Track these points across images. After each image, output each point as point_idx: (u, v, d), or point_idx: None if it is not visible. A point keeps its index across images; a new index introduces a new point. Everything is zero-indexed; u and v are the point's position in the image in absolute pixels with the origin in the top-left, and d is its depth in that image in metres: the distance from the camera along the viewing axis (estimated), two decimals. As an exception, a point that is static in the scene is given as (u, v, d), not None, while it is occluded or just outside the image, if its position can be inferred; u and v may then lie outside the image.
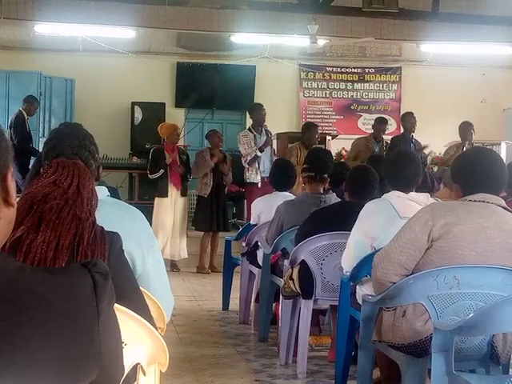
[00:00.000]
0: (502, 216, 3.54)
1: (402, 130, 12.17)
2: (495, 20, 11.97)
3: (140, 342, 2.00)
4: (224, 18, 11.80)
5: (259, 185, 10.50)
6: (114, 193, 5.21)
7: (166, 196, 10.07)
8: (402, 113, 15.69)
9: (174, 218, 10.13)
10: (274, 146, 11.18)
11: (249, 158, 10.51)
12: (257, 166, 10.55)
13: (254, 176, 10.57)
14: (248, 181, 10.62)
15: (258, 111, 10.80)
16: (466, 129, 10.88)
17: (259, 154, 10.46)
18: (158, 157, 10.08)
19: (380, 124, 11.45)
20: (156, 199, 10.24)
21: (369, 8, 10.97)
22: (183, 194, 10.28)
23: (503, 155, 13.27)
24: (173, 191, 10.11)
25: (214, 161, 10.23)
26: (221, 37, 13.41)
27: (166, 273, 3.02)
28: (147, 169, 10.30)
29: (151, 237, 2.97)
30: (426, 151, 11.46)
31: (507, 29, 12.26)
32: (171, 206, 10.11)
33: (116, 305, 1.42)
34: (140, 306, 2.19)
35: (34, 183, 2.34)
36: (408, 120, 11.28)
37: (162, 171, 10.02)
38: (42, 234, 2.12)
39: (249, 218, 10.55)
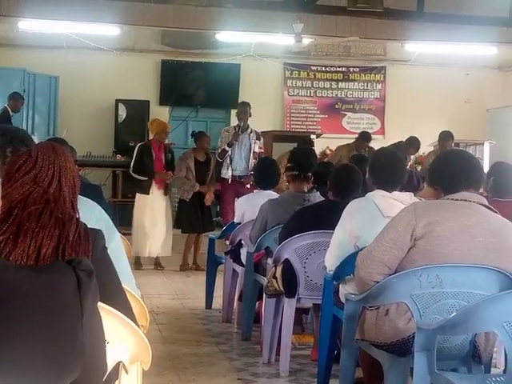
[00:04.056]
0: (485, 215, 3.57)
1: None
2: (480, 20, 12.01)
3: (123, 340, 1.99)
4: (209, 16, 11.78)
5: (229, 181, 10.49)
6: (96, 190, 5.21)
7: (148, 193, 10.01)
8: (386, 112, 15.83)
9: (156, 216, 10.08)
10: (258, 148, 11.11)
11: (218, 152, 10.56)
12: (228, 161, 10.53)
13: (225, 171, 10.57)
14: (222, 176, 10.60)
15: (241, 109, 10.85)
16: (446, 139, 10.79)
17: (227, 148, 10.46)
18: (145, 155, 10.02)
19: (363, 141, 11.41)
20: (137, 195, 10.17)
21: (354, 7, 10.99)
22: (166, 192, 10.24)
23: (486, 155, 13.34)
24: (155, 189, 10.06)
25: (200, 189, 10.13)
26: (206, 35, 13.40)
27: (128, 266, 2.97)
28: (131, 164, 10.22)
29: (111, 228, 2.95)
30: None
31: (491, 29, 12.30)
32: (152, 204, 10.06)
33: (99, 303, 1.41)
34: (123, 304, 2.18)
35: (13, 178, 2.29)
36: (411, 147, 11.16)
37: (145, 179, 9.95)
38: (21, 244, 2.07)
39: (223, 214, 10.58)
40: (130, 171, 10.19)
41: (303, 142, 10.74)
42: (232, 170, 10.53)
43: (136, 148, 10.25)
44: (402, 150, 10.77)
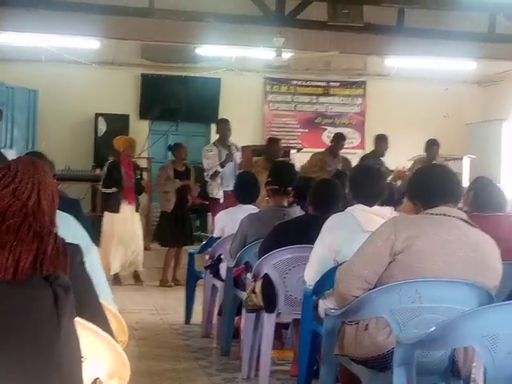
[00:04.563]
0: (464, 230, 3.57)
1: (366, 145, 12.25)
2: (459, 35, 12.08)
3: (100, 356, 1.97)
4: (189, 30, 11.77)
5: (221, 200, 10.51)
6: (75, 204, 5.18)
7: (118, 212, 9.96)
8: (366, 126, 15.89)
9: (127, 232, 10.02)
10: (239, 159, 11.18)
11: (210, 173, 10.55)
12: (219, 181, 10.56)
13: (217, 191, 10.59)
14: (211, 196, 10.64)
15: (222, 126, 10.90)
16: (431, 146, 11.13)
17: (220, 169, 10.49)
18: (114, 171, 9.99)
19: (339, 140, 11.55)
20: (106, 214, 10.11)
21: (334, 22, 11.01)
22: (137, 209, 10.20)
23: (465, 169, 13.39)
24: (125, 207, 10.00)
25: (180, 183, 10.15)
26: (186, 49, 13.39)
27: (105, 280, 2.96)
28: (101, 181, 10.21)
29: (88, 242, 2.94)
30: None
31: (470, 44, 12.37)
32: (123, 222, 10.00)
33: (77, 318, 1.40)
34: (101, 320, 2.16)
35: None
36: (380, 144, 11.38)
37: (114, 189, 9.92)
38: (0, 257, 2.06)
39: (213, 232, 10.57)
40: (101, 188, 10.19)
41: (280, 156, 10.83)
42: (223, 186, 10.56)
43: (105, 165, 10.24)
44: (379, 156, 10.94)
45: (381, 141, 11.48)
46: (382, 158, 11.35)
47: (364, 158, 11.39)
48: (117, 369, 2.03)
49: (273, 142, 11.06)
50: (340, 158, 11.35)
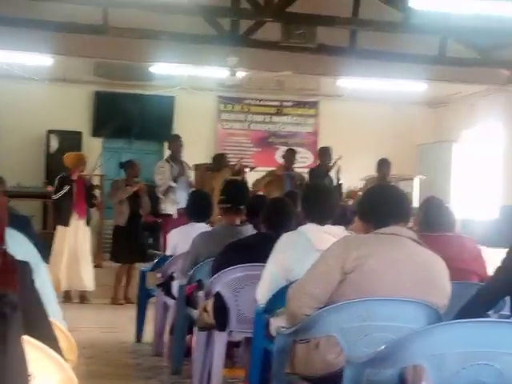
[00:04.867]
0: (413, 249, 3.62)
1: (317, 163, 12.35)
2: (410, 58, 12.24)
3: (48, 375, 1.95)
4: (143, 48, 11.77)
5: (175, 215, 10.49)
6: (25, 221, 5.12)
7: (68, 225, 9.89)
8: (319, 147, 15.97)
9: (77, 247, 9.95)
10: (192, 178, 11.19)
11: (163, 188, 10.53)
12: (172, 197, 10.54)
13: (170, 207, 10.56)
14: (163, 212, 10.61)
15: (174, 142, 10.92)
16: (382, 165, 11.27)
17: (173, 184, 10.48)
18: (65, 181, 9.93)
19: (291, 154, 11.65)
20: (58, 228, 10.04)
21: (287, 42, 11.09)
22: (88, 223, 10.15)
23: (416, 190, 13.54)
24: (76, 220, 9.94)
25: (133, 189, 10.13)
26: (140, 67, 13.38)
27: (55, 298, 2.94)
28: (53, 192, 10.15)
29: (37, 259, 2.92)
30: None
31: (421, 66, 12.54)
32: (73, 236, 9.94)
33: (25, 336, 1.39)
34: (50, 338, 2.14)
35: None
36: (324, 155, 11.49)
37: (66, 187, 9.81)
38: None
39: (165, 249, 10.52)
40: (52, 196, 10.10)
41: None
42: (176, 203, 10.54)
43: (56, 180, 10.17)
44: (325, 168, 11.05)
45: (324, 152, 11.59)
46: (330, 174, 11.41)
47: (311, 172, 11.49)
48: (66, 388, 2.02)
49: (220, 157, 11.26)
50: (296, 175, 11.43)
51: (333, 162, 11.26)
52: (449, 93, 15.62)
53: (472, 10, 9.63)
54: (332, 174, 11.24)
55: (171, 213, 10.55)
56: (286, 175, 11.21)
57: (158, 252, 11.11)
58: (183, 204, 10.42)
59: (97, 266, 10.72)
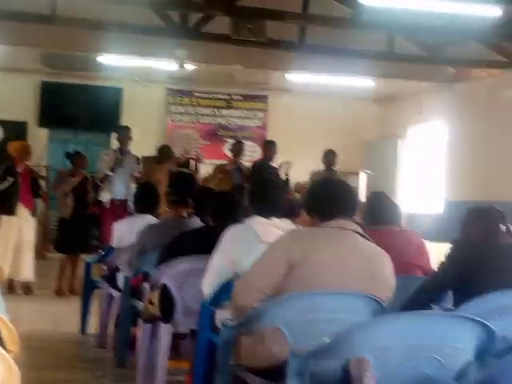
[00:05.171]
0: (359, 243, 3.65)
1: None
2: (358, 53, 12.33)
3: (-11, 366, 1.93)
4: (91, 39, 11.66)
5: (106, 205, 10.39)
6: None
7: (13, 214, 9.78)
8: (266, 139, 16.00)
9: (21, 237, 9.84)
10: (138, 171, 11.06)
11: (99, 176, 10.45)
12: (108, 186, 10.44)
13: (104, 195, 10.47)
14: (100, 199, 10.50)
15: (121, 134, 10.82)
16: (328, 155, 11.27)
17: (109, 173, 10.37)
18: (8, 171, 9.80)
19: (238, 147, 11.56)
20: (3, 218, 9.91)
21: (237, 36, 11.09)
22: (33, 214, 10.04)
23: (362, 184, 13.66)
24: (22, 210, 9.83)
25: (78, 179, 10.04)
26: (88, 57, 13.25)
27: None
28: None
29: None
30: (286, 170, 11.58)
31: (369, 62, 12.65)
32: (18, 225, 9.83)
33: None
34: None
35: None
36: (268, 148, 11.44)
37: (10, 179, 9.69)
38: None
39: (103, 238, 10.45)
40: None
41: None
42: (111, 193, 10.43)
43: (1, 170, 10.02)
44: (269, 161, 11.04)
45: (269, 146, 11.53)
46: (276, 166, 11.35)
47: (255, 165, 11.43)
48: (8, 380, 2.00)
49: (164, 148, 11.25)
50: (242, 167, 11.37)
51: (281, 167, 11.17)
52: (396, 89, 15.77)
53: (420, 8, 9.74)
54: (281, 172, 11.18)
55: (104, 200, 10.45)
56: (234, 169, 11.16)
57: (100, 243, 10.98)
58: (119, 196, 10.40)
59: (41, 257, 10.60)
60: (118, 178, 10.48)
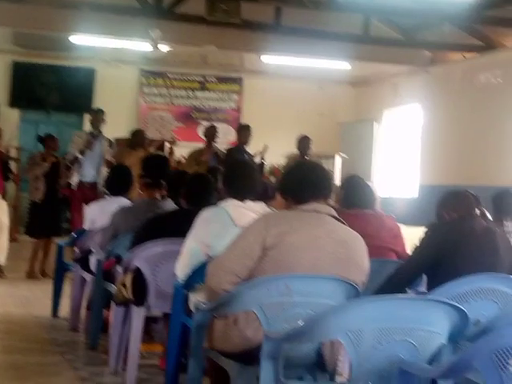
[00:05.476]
0: (333, 226, 3.63)
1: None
2: (334, 36, 12.31)
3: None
4: (63, 18, 11.54)
5: (74, 187, 10.29)
6: None
7: None
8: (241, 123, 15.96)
9: None
10: (110, 154, 10.94)
11: (68, 158, 10.32)
12: (77, 168, 10.31)
13: (73, 178, 10.37)
14: (69, 181, 10.39)
15: (93, 116, 10.67)
16: (303, 142, 11.16)
17: (78, 155, 10.24)
18: None
19: (212, 131, 11.36)
20: None
21: (212, 17, 11.02)
22: (4, 197, 9.94)
23: (337, 167, 13.65)
24: None
25: (49, 164, 9.94)
26: (60, 37, 13.13)
27: None
28: None
29: None
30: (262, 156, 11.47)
31: (345, 45, 12.63)
32: None
33: None
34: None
35: None
36: (243, 133, 11.30)
37: None
38: None
39: (72, 221, 10.35)
40: None
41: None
42: (80, 176, 10.31)
43: None
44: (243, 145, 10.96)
45: (243, 130, 11.36)
46: (248, 149, 11.23)
47: (229, 150, 11.29)
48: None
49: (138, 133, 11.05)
50: (217, 151, 11.23)
51: (257, 153, 11.06)
52: (372, 72, 15.78)
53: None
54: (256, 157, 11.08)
55: (73, 183, 10.34)
56: (211, 159, 10.98)
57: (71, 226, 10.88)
58: (88, 178, 10.28)
59: (13, 239, 10.50)
60: (87, 161, 10.34)
